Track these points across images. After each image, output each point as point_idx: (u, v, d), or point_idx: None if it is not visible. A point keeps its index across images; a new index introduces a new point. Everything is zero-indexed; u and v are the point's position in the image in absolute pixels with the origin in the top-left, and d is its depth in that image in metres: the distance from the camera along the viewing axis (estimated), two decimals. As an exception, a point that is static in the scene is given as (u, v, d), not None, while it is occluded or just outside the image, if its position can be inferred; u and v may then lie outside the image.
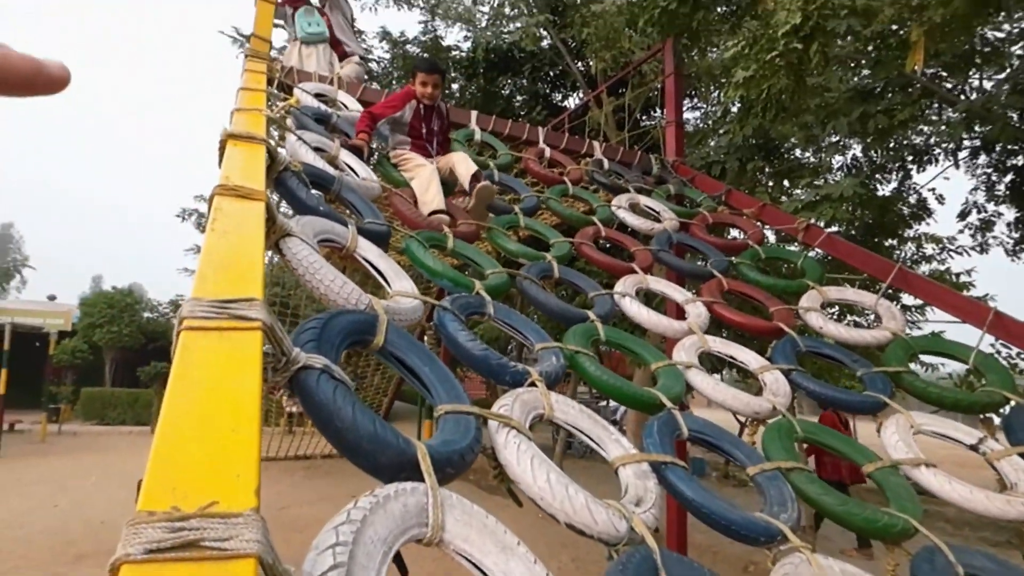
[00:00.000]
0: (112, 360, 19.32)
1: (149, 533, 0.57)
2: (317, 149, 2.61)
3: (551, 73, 11.64)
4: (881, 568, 1.72)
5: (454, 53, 11.59)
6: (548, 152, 4.21)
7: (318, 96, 3.55)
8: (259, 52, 3.42)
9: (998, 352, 5.67)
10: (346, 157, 2.77)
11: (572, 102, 11.61)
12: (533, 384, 1.60)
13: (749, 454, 1.85)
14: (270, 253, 1.73)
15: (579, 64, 10.63)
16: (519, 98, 11.80)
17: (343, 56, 4.82)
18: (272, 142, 2.08)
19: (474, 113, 4.14)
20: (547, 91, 11.88)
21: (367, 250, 1.94)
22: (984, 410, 2.38)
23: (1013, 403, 2.25)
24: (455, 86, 11.78)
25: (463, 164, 3.10)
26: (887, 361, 2.57)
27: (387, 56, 11.54)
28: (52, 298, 20.65)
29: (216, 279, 1.06)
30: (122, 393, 17.20)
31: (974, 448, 2.14)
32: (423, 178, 2.93)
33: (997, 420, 2.30)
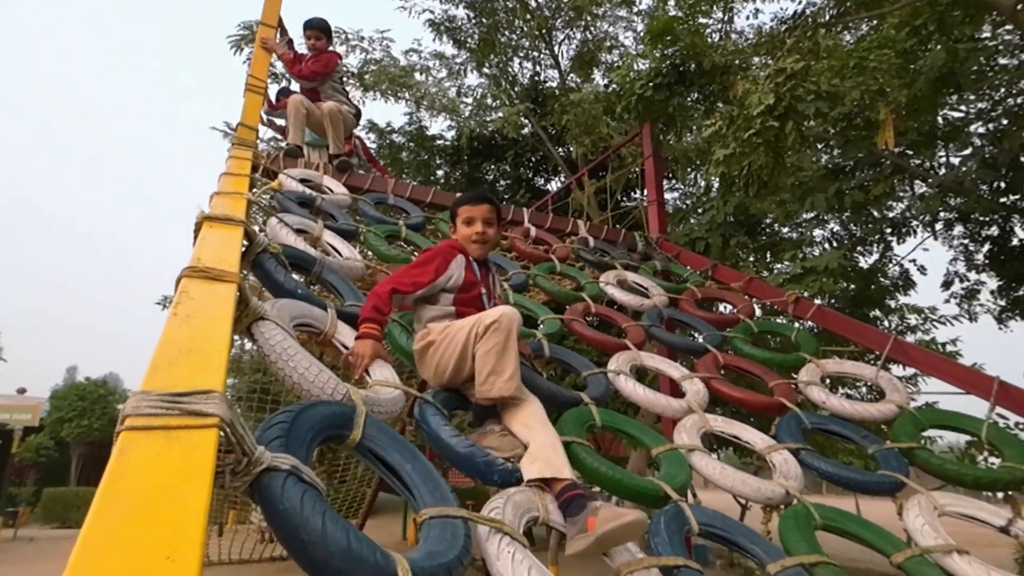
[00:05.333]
0: (79, 456, 18.31)
1: None
2: (300, 231, 2.56)
3: (533, 158, 12.09)
4: None
5: (439, 142, 12.02)
6: (534, 231, 4.22)
7: (303, 181, 3.56)
8: (245, 140, 3.46)
9: (995, 422, 5.51)
10: (329, 237, 2.71)
11: (554, 186, 11.97)
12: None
13: (767, 549, 1.68)
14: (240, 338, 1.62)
15: (560, 149, 11.05)
16: (503, 183, 12.16)
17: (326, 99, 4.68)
18: (254, 225, 2.02)
19: (458, 195, 4.18)
20: (530, 176, 12.28)
21: (347, 336, 1.83)
22: (1007, 488, 2.25)
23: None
24: (440, 172, 12.12)
25: (543, 453, 1.62)
26: (897, 436, 2.45)
27: (374, 146, 11.93)
28: (22, 391, 19.79)
29: (170, 370, 0.95)
30: (87, 493, 16.12)
31: (1004, 530, 2.00)
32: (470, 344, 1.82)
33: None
